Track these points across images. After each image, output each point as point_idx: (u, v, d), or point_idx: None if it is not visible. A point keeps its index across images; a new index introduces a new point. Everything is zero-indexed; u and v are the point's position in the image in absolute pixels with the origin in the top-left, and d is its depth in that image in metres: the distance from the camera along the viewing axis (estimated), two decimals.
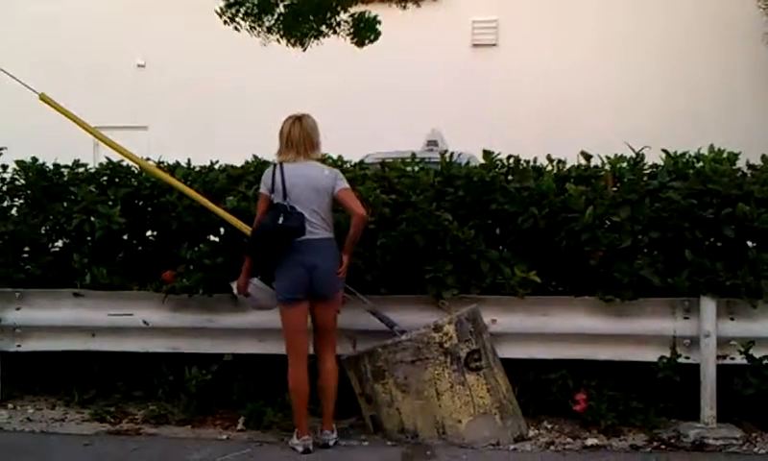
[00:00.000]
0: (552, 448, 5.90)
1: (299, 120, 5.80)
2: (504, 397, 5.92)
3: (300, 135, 5.74)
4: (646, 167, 6.64)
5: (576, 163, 6.80)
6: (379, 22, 9.07)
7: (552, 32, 15.90)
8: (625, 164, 6.61)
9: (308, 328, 5.79)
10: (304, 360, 5.70)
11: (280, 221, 5.51)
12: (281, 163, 5.72)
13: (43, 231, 7.15)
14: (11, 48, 13.94)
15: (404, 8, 8.92)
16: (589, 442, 5.95)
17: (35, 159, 7.27)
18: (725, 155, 6.59)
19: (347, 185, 5.78)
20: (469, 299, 6.25)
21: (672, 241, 6.21)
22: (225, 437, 6.22)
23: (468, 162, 7.36)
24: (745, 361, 6.10)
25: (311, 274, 5.56)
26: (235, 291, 6.01)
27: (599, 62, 15.64)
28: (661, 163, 6.66)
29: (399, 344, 5.82)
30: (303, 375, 5.67)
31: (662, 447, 5.88)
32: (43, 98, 6.23)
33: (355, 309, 6.11)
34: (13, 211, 7.29)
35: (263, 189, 5.75)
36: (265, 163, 7.00)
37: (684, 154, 6.67)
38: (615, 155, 6.65)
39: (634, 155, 6.67)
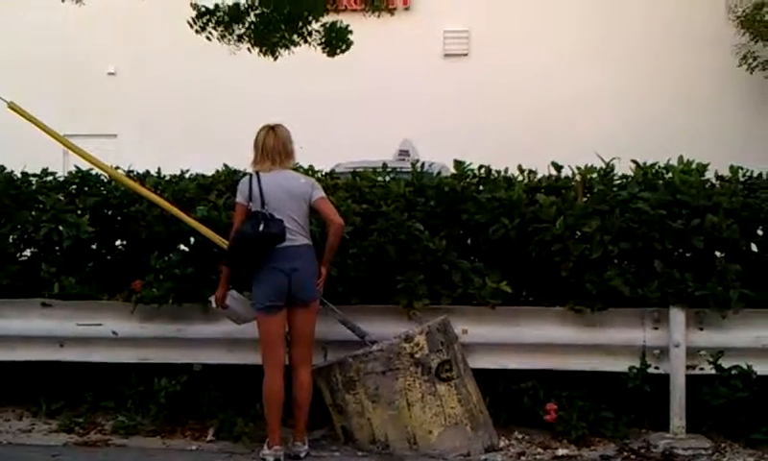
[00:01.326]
0: (523, 458, 5.91)
1: (272, 130, 5.83)
2: (475, 407, 5.92)
3: (274, 145, 5.77)
4: (616, 178, 6.66)
5: (547, 174, 6.82)
6: (350, 32, 9.09)
7: (523, 42, 16.04)
8: (595, 175, 6.64)
9: (285, 338, 5.78)
10: (281, 370, 5.69)
11: (261, 228, 5.51)
12: (257, 172, 5.73)
13: (11, 241, 7.04)
14: None
15: (378, 16, 8.93)
16: (560, 452, 5.97)
17: (2, 168, 7.19)
18: (694, 166, 6.63)
19: (323, 194, 5.80)
20: (441, 309, 6.25)
21: (642, 252, 6.24)
22: (194, 448, 6.18)
23: (439, 172, 7.38)
24: (714, 371, 6.13)
25: (290, 279, 5.56)
26: (213, 304, 5.98)
27: (571, 71, 15.78)
28: (631, 174, 6.69)
29: (370, 354, 5.81)
30: (279, 384, 5.66)
31: (632, 457, 5.91)
32: (12, 106, 6.17)
33: (327, 319, 6.07)
34: None
35: (240, 198, 5.75)
36: (235, 173, 6.98)
37: (653, 165, 6.71)
38: (585, 165, 6.68)
39: (604, 165, 6.69)
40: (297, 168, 6.31)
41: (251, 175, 5.81)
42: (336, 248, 5.83)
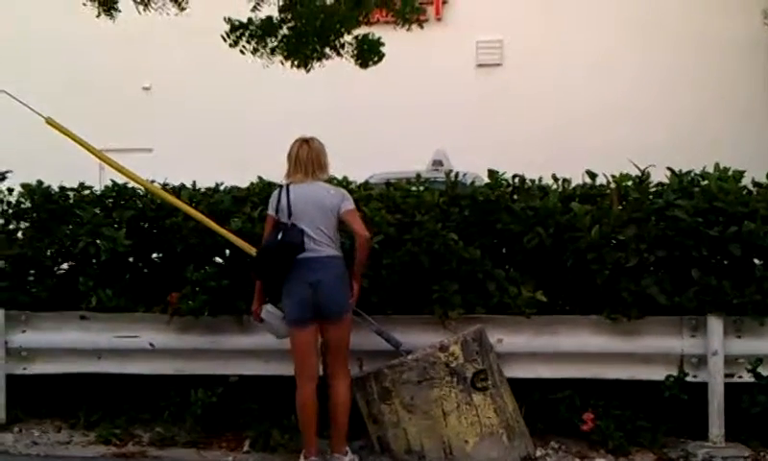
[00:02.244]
0: None
1: (306, 142, 5.85)
2: (511, 417, 5.90)
3: (307, 157, 5.78)
4: (652, 185, 6.62)
5: (582, 182, 6.80)
6: (383, 44, 9.10)
7: (556, 50, 15.99)
8: (630, 183, 6.60)
9: (318, 350, 5.76)
10: (313, 381, 5.67)
11: (279, 237, 5.56)
12: (288, 185, 5.75)
13: (49, 254, 7.13)
14: (19, 68, 14.05)
15: (409, 29, 8.93)
16: None
17: (40, 182, 7.27)
18: (730, 173, 6.57)
19: (352, 206, 5.79)
20: (475, 318, 6.24)
21: (678, 259, 6.19)
22: (230, 459, 6.21)
23: (473, 182, 7.38)
24: (753, 379, 6.08)
25: (316, 290, 5.52)
26: (253, 318, 6.02)
27: (604, 79, 15.72)
28: (667, 181, 6.65)
29: (405, 364, 5.80)
30: (311, 393, 5.64)
31: None
32: (49, 122, 6.24)
33: (361, 330, 6.07)
34: (19, 234, 7.28)
35: (270, 210, 5.79)
36: (270, 185, 7.01)
37: (689, 172, 6.66)
38: (621, 173, 6.64)
39: (639, 173, 6.65)
40: (330, 180, 6.31)
41: (281, 187, 5.83)
42: (364, 261, 5.82)
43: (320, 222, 5.62)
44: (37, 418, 7.03)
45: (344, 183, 6.82)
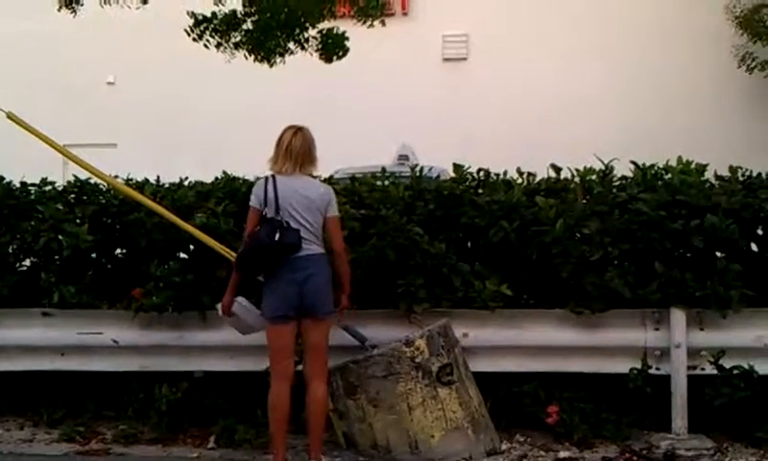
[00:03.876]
0: (525, 460, 5.89)
1: (300, 131, 5.63)
2: (476, 410, 5.91)
3: (301, 147, 5.57)
4: (615, 179, 6.67)
5: (546, 176, 6.82)
6: (347, 38, 9.09)
7: (522, 45, 16.05)
8: (594, 177, 6.64)
9: (294, 350, 5.62)
10: (287, 381, 5.48)
11: (277, 237, 5.34)
12: (273, 176, 5.54)
13: (10, 250, 7.05)
14: None
15: (370, 26, 8.91)
16: (562, 454, 5.97)
17: (1, 178, 7.19)
18: (693, 166, 6.63)
19: (337, 214, 5.67)
20: (441, 313, 6.24)
21: (642, 253, 6.24)
22: (196, 455, 6.17)
23: (438, 176, 7.37)
24: (715, 371, 6.14)
25: (302, 288, 5.38)
26: (220, 312, 5.83)
27: (570, 74, 15.80)
28: (631, 175, 6.69)
29: (371, 359, 5.80)
30: (285, 393, 5.45)
31: (634, 458, 5.92)
32: (10, 116, 6.16)
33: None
34: None
35: (254, 202, 5.56)
36: (234, 180, 6.98)
37: (652, 166, 6.71)
38: (585, 167, 6.68)
39: (603, 167, 6.69)
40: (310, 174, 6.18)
41: (266, 178, 5.58)
42: (348, 273, 5.72)
43: (307, 220, 5.45)
44: None
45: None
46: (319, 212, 5.52)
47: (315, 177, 6.54)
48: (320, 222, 5.52)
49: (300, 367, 5.64)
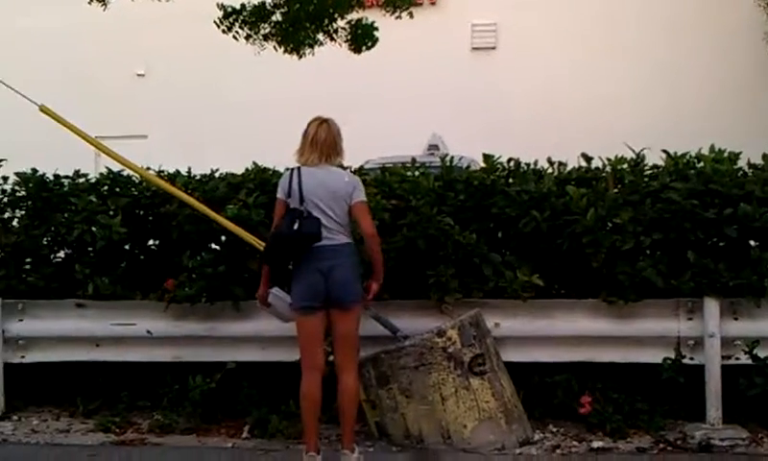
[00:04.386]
0: (558, 451, 5.89)
1: (326, 122, 5.62)
2: (509, 401, 5.91)
3: (326, 138, 5.56)
4: (647, 168, 6.63)
5: (577, 165, 6.80)
6: (376, 28, 9.06)
7: (551, 33, 15.93)
8: (626, 166, 6.61)
9: (324, 340, 5.60)
10: (318, 372, 5.48)
11: (296, 227, 5.36)
12: (299, 168, 5.55)
13: (45, 242, 7.13)
14: (10, 60, 13.99)
15: (398, 17, 8.89)
16: (595, 445, 5.95)
17: (35, 171, 7.26)
18: (726, 154, 6.58)
19: (364, 198, 5.60)
20: (472, 303, 6.24)
21: (674, 242, 6.21)
22: (230, 445, 6.21)
23: (468, 166, 7.36)
24: (750, 361, 6.10)
25: (327, 278, 5.36)
26: (258, 303, 5.88)
27: (600, 63, 15.67)
28: (662, 164, 6.66)
29: (403, 349, 5.81)
30: (315, 385, 5.45)
31: (668, 448, 5.89)
32: (43, 109, 6.22)
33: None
34: (15, 223, 7.27)
35: (279, 194, 5.57)
36: (264, 171, 7.01)
37: (684, 154, 6.67)
38: (616, 156, 6.64)
39: (634, 156, 6.66)
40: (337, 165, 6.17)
41: (291, 170, 5.60)
42: (379, 258, 5.62)
43: (332, 209, 5.42)
44: (36, 406, 7.07)
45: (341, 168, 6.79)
46: (344, 201, 5.49)
47: (345, 168, 6.56)
48: (345, 211, 5.50)
49: (331, 357, 5.66)
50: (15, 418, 6.85)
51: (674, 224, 6.14)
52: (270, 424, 6.25)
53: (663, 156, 6.71)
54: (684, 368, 6.11)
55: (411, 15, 9.00)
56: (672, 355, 6.14)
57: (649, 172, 6.61)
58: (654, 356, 6.18)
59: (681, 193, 6.16)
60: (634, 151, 6.66)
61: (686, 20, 15.59)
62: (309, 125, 5.65)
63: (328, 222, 5.41)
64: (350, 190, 5.51)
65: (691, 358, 6.16)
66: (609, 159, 6.65)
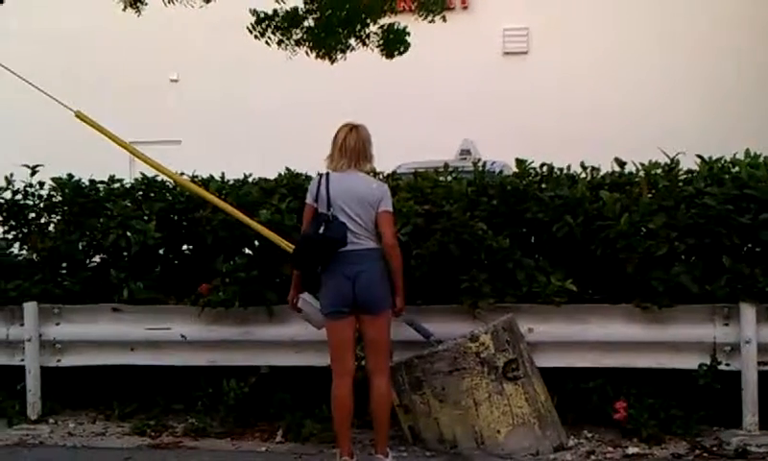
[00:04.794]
0: (592, 457, 5.86)
1: (355, 128, 5.64)
2: (543, 406, 5.90)
3: (355, 144, 5.57)
4: (681, 173, 6.58)
5: (610, 170, 6.77)
6: (408, 34, 9.07)
7: (583, 38, 15.87)
8: (660, 171, 6.56)
9: (354, 345, 5.60)
10: (348, 377, 5.50)
11: (321, 231, 5.38)
12: (328, 173, 5.58)
13: (80, 247, 7.22)
14: (43, 65, 14.13)
15: (431, 21, 8.89)
16: (630, 451, 5.91)
17: (70, 176, 7.36)
18: (761, 159, 6.53)
19: (390, 208, 5.57)
20: (505, 308, 6.23)
21: (709, 247, 6.16)
22: (264, 449, 6.24)
23: (501, 171, 7.36)
24: None
25: (354, 283, 5.36)
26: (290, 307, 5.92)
27: (632, 67, 15.59)
28: (696, 169, 6.61)
29: (436, 354, 5.81)
30: (346, 390, 5.47)
31: (704, 455, 5.83)
32: (79, 115, 6.29)
33: (391, 320, 6.08)
34: (51, 228, 7.36)
35: (308, 199, 5.61)
36: (297, 176, 7.04)
37: (719, 159, 6.63)
38: (650, 161, 6.61)
39: (668, 161, 6.62)
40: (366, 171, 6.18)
41: (321, 175, 5.64)
42: (399, 270, 5.58)
43: (359, 215, 5.43)
44: (72, 409, 7.15)
45: (370, 174, 6.79)
46: (371, 208, 5.48)
47: (377, 173, 6.58)
48: (372, 217, 5.49)
49: (363, 362, 5.68)
50: (52, 421, 6.93)
51: (709, 229, 6.09)
52: (303, 428, 6.28)
53: (698, 160, 6.66)
54: (719, 374, 6.06)
55: (444, 19, 9.00)
56: (708, 361, 6.09)
57: (683, 177, 6.56)
58: (689, 362, 6.13)
59: (716, 198, 6.11)
60: (668, 156, 6.62)
61: (721, 19, 15.45)
62: (339, 131, 5.67)
63: (355, 227, 5.43)
64: (378, 197, 5.52)
65: (727, 364, 6.10)
66: (642, 164, 6.62)
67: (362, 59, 9.35)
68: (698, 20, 15.54)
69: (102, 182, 7.39)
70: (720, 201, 6.09)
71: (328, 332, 5.57)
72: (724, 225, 6.07)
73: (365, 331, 5.54)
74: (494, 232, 6.30)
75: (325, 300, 5.51)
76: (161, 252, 7.19)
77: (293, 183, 6.94)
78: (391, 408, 5.71)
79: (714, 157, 6.66)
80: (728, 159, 6.62)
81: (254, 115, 16.01)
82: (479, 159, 7.29)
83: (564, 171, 6.83)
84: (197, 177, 7.18)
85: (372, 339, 5.53)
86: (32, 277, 7.09)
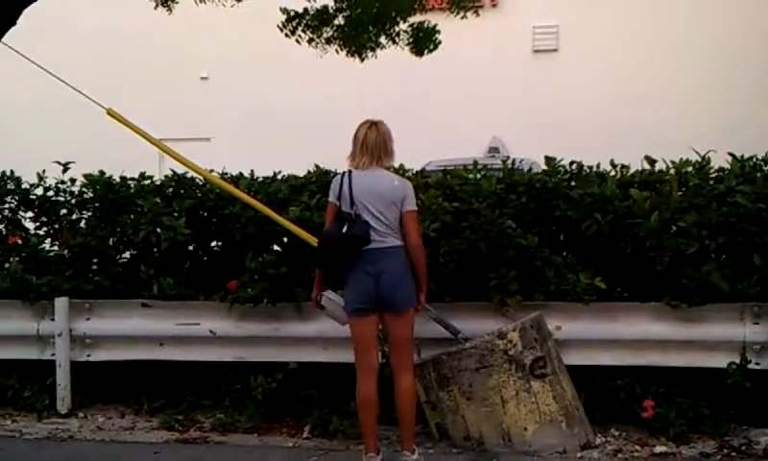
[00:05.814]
0: (620, 455, 5.84)
1: (375, 125, 5.62)
2: (570, 404, 5.88)
3: (375, 141, 5.56)
4: (712, 171, 6.53)
5: (640, 168, 6.74)
6: (438, 32, 9.06)
7: (612, 35, 15.77)
8: (690, 168, 6.52)
9: (378, 342, 5.62)
10: (373, 374, 5.50)
11: (344, 230, 5.38)
12: (350, 171, 5.57)
13: (111, 243, 7.28)
14: (75, 64, 14.24)
15: (463, 17, 8.87)
16: (658, 449, 5.89)
17: (102, 173, 7.41)
18: None
19: (413, 207, 5.55)
20: (534, 305, 6.22)
21: (740, 246, 6.11)
22: (291, 444, 6.27)
23: (530, 169, 7.33)
24: None
25: (378, 281, 5.38)
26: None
27: (661, 65, 15.46)
28: (727, 167, 6.56)
29: (464, 351, 5.81)
30: (371, 389, 5.47)
31: (733, 454, 5.79)
32: (110, 113, 6.35)
33: (419, 317, 6.02)
34: (82, 224, 7.43)
35: (331, 197, 5.61)
36: (327, 173, 7.05)
37: (751, 157, 6.56)
38: (681, 159, 6.56)
39: (699, 158, 6.57)
40: (387, 168, 6.18)
41: (343, 173, 5.63)
42: (423, 269, 5.58)
43: (382, 212, 5.41)
44: (102, 404, 7.21)
45: (400, 172, 6.80)
46: (394, 205, 5.46)
47: (406, 170, 6.59)
48: (396, 215, 5.47)
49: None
50: (81, 415, 7.00)
51: (740, 227, 6.04)
52: (331, 424, 6.30)
53: (729, 158, 6.61)
54: (749, 373, 6.01)
55: (477, 13, 8.98)
56: (737, 360, 6.04)
57: (714, 175, 6.51)
58: (719, 361, 6.08)
59: (747, 196, 6.05)
60: (699, 153, 6.57)
61: (749, 17, 15.31)
62: (359, 128, 5.67)
63: (378, 225, 5.41)
64: (402, 194, 5.49)
65: (757, 363, 6.05)
66: (673, 162, 6.57)
67: (391, 56, 9.35)
68: (731, 13, 15.39)
69: (132, 179, 7.43)
70: (752, 199, 6.04)
71: (352, 330, 5.57)
72: (755, 223, 6.02)
73: (388, 329, 5.55)
74: (523, 230, 6.28)
75: (349, 297, 5.52)
76: (191, 248, 7.22)
77: (322, 180, 6.95)
78: (416, 405, 5.70)
79: (747, 155, 6.60)
80: (759, 158, 6.56)
81: (284, 113, 16.05)
82: (508, 157, 7.27)
83: (594, 169, 6.79)
84: (227, 174, 7.21)
85: (395, 337, 5.53)
86: (63, 272, 7.16)
